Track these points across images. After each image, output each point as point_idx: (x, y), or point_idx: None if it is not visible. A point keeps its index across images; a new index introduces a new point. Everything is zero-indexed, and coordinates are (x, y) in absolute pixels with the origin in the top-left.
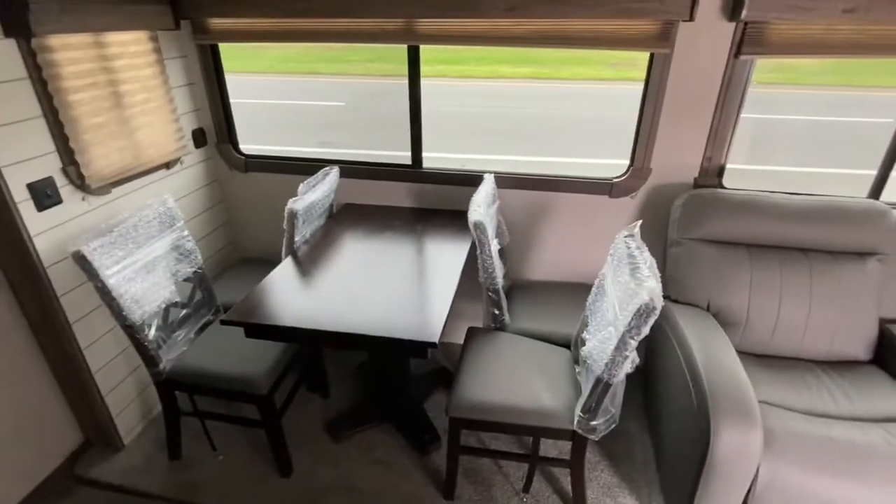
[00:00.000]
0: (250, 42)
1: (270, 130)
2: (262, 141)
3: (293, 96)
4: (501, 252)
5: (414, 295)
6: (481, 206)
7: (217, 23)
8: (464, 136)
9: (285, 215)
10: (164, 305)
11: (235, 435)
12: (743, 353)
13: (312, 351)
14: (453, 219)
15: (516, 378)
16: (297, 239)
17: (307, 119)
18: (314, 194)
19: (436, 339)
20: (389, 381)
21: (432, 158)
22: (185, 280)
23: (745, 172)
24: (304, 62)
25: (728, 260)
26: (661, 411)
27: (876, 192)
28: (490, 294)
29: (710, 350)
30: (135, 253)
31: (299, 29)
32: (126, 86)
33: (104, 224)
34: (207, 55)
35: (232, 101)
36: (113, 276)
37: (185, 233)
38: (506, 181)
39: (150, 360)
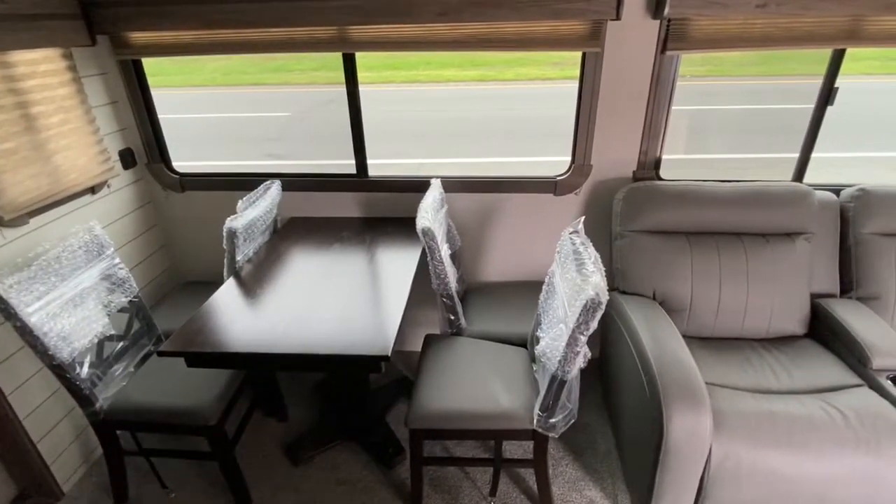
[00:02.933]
0: (176, 55)
1: (214, 145)
2: (205, 157)
3: (237, 109)
4: (454, 256)
5: (365, 308)
6: (429, 211)
7: (137, 37)
8: (414, 141)
9: (224, 235)
10: (97, 340)
11: (187, 469)
12: (689, 338)
13: (265, 373)
14: (402, 226)
15: (475, 382)
16: (238, 258)
17: (252, 131)
18: (254, 210)
19: (387, 353)
20: (348, 398)
21: (382, 165)
22: (119, 311)
23: (683, 162)
24: (247, 73)
25: (669, 249)
26: (618, 401)
27: (799, 174)
28: (444, 300)
29: (658, 338)
30: (59, 287)
31: (227, 40)
32: (38, 107)
33: (21, 258)
34: (130, 71)
35: (172, 116)
36: (34, 313)
37: (117, 260)
38: (453, 185)
39: (84, 399)
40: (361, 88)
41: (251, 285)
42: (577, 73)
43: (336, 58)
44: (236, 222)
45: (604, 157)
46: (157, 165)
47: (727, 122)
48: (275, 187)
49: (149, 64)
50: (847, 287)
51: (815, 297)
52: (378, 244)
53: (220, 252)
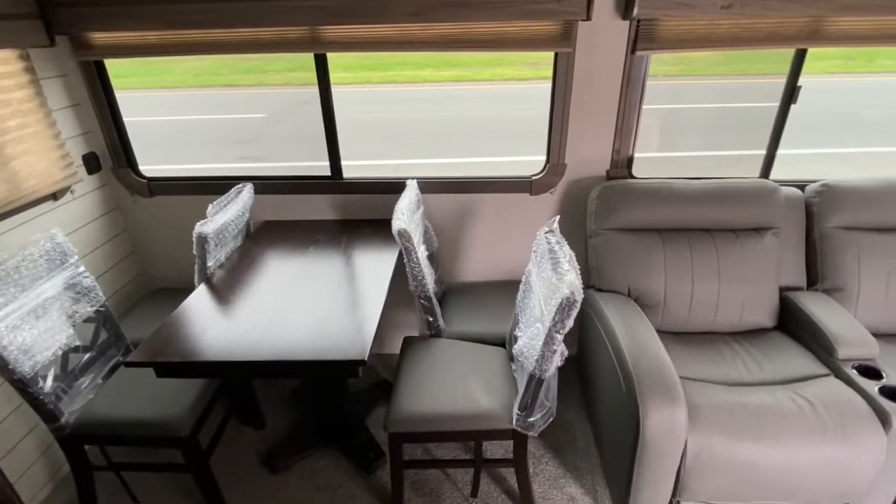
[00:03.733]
0: (140, 57)
1: (186, 148)
2: (176, 160)
3: (210, 111)
4: (431, 257)
5: (341, 311)
6: (405, 213)
7: (99, 37)
8: (391, 142)
9: (194, 240)
10: (61, 352)
11: (160, 483)
12: (664, 333)
13: (239, 381)
14: (379, 228)
15: (454, 384)
16: (210, 264)
17: (226, 134)
18: (225, 215)
19: (365, 357)
20: (327, 403)
21: (359, 167)
22: (85, 321)
23: (656, 160)
24: (219, 74)
25: (643, 246)
26: (596, 397)
27: (766, 171)
28: (422, 302)
29: (633, 335)
30: (19, 297)
31: (193, 41)
32: None
33: None
34: (92, 73)
35: (141, 119)
36: None
37: (81, 269)
38: (429, 186)
39: (48, 414)
40: (337, 89)
41: (223, 291)
42: (551, 73)
43: (311, 58)
44: (206, 227)
45: (578, 157)
46: (124, 170)
47: (698, 121)
48: (246, 191)
49: (113, 65)
50: (813, 280)
51: (783, 290)
52: (354, 246)
53: (191, 258)
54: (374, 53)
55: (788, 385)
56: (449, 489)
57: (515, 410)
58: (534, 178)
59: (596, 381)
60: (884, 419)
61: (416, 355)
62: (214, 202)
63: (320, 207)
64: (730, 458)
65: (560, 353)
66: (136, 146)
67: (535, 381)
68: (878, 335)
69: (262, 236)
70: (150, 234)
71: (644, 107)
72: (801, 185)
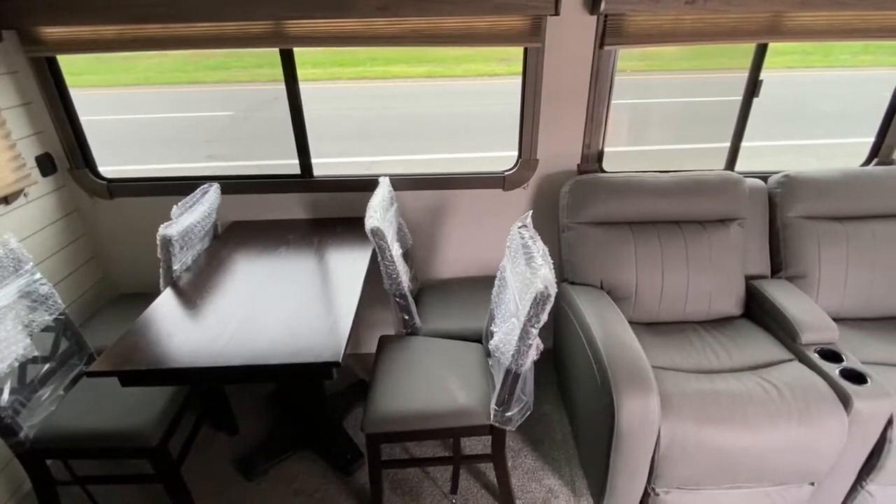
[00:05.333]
0: (96, 52)
1: (150, 148)
2: (140, 160)
3: (175, 109)
4: (406, 255)
5: (314, 312)
6: (378, 210)
7: (51, 32)
8: (364, 139)
9: (158, 243)
10: (17, 363)
11: (131, 494)
12: (636, 324)
13: (210, 387)
14: (351, 227)
15: (430, 381)
16: (176, 267)
17: (192, 133)
18: (191, 216)
19: (339, 358)
20: (302, 406)
21: (332, 165)
22: (44, 330)
23: (627, 154)
24: (185, 71)
25: (614, 239)
26: (572, 389)
27: (731, 163)
28: (398, 300)
29: (606, 326)
30: None
31: (152, 36)
32: None
33: None
34: (44, 69)
35: (101, 118)
36: None
37: (37, 276)
38: (402, 183)
39: (5, 429)
40: (307, 86)
41: (191, 295)
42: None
43: (278, 53)
44: (171, 229)
45: (549, 151)
46: (81, 171)
47: (666, 115)
48: (213, 191)
49: (68, 61)
50: (777, 268)
51: (749, 278)
52: (327, 246)
53: (156, 262)
54: (344, 49)
55: (755, 371)
56: (429, 487)
57: (493, 406)
58: (506, 173)
59: (571, 374)
60: (844, 400)
61: (392, 354)
62: (179, 203)
63: (291, 207)
64: (701, 444)
65: (535, 347)
66: (95, 146)
67: (511, 376)
68: (837, 319)
69: (230, 237)
70: (112, 238)
71: (613, 102)
72: (764, 177)
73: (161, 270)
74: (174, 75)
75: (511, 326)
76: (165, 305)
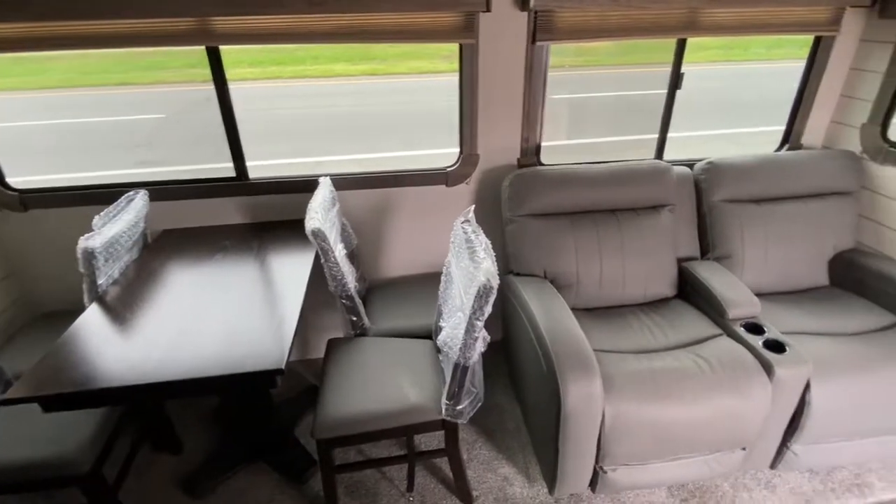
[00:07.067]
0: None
1: (73, 155)
2: (61, 169)
3: (102, 112)
4: (351, 255)
5: (255, 319)
6: (319, 211)
7: None
8: (307, 138)
9: (79, 256)
10: None
11: None
12: (578, 310)
13: (145, 405)
14: (292, 229)
15: (380, 381)
16: (101, 281)
17: (121, 137)
18: (116, 226)
19: (281, 365)
20: (250, 417)
21: (272, 166)
22: None
23: (567, 147)
24: (111, 72)
25: (554, 230)
26: (522, 378)
27: (659, 153)
28: (344, 302)
29: (550, 314)
30: None
31: (62, 34)
32: None
33: None
34: None
35: (13, 124)
36: None
37: None
38: (345, 182)
39: None
40: (245, 85)
41: (120, 309)
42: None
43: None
44: (93, 241)
45: (490, 146)
46: None
47: (603, 108)
48: (139, 198)
49: None
50: (706, 249)
51: (680, 261)
52: (267, 250)
53: (79, 276)
54: (279, 46)
55: (689, 347)
56: (385, 487)
57: (444, 400)
58: (449, 169)
59: (520, 363)
60: (768, 369)
61: (341, 357)
62: (103, 213)
63: (226, 212)
64: (643, 421)
65: (482, 339)
66: (4, 155)
67: (460, 370)
68: (759, 294)
69: (162, 246)
70: (29, 254)
71: (554, 97)
72: (690, 164)
73: (85, 285)
74: (99, 77)
75: (458, 321)
76: (91, 322)
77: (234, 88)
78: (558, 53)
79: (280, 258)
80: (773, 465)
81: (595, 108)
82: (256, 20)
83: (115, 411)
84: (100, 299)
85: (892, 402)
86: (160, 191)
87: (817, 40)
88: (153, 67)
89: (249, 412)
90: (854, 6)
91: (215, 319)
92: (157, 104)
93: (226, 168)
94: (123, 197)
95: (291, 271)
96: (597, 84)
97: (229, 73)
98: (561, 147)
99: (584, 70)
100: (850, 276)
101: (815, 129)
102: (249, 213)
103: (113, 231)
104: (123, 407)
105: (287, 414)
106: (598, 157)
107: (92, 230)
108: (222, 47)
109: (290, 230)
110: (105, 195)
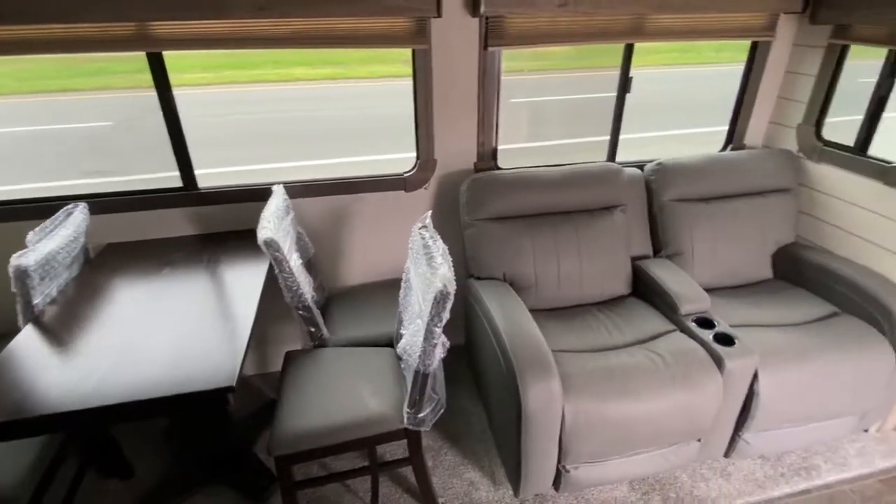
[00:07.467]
0: None
1: (7, 166)
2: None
3: (41, 120)
4: (309, 265)
5: (205, 335)
6: (272, 221)
7: None
8: (263, 145)
9: (11, 275)
10: None
11: None
12: (537, 311)
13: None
14: (244, 240)
15: (340, 392)
16: (37, 301)
17: (64, 147)
18: (52, 242)
19: (233, 383)
20: (204, 437)
21: (225, 174)
22: None
23: (525, 150)
24: (51, 78)
25: (512, 233)
26: (485, 381)
27: (612, 155)
28: (301, 313)
29: (509, 317)
30: None
31: None
32: None
33: None
34: None
35: None
36: None
37: None
38: (300, 190)
39: None
40: (197, 91)
41: (57, 330)
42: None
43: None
44: (26, 258)
45: (447, 151)
46: None
47: (561, 111)
48: (78, 211)
49: None
50: (658, 248)
51: (634, 259)
52: (218, 262)
53: (12, 297)
54: (232, 51)
55: (644, 344)
56: (350, 500)
57: (405, 409)
58: (407, 174)
59: (483, 366)
60: (718, 362)
61: (298, 370)
62: (38, 228)
63: (174, 223)
64: (602, 418)
65: (441, 345)
66: None
67: (420, 377)
68: (709, 290)
69: (104, 262)
70: None
71: (512, 101)
72: (641, 165)
73: (18, 306)
74: (38, 83)
75: (417, 328)
76: (25, 345)
77: (186, 94)
78: (516, 58)
79: (232, 270)
80: (727, 454)
81: (553, 112)
82: (201, 25)
83: (55, 438)
84: (36, 320)
85: (833, 388)
86: (103, 203)
87: (755, 45)
88: (100, 73)
89: (202, 431)
90: (787, 12)
91: (162, 337)
92: (105, 111)
93: (175, 177)
94: (61, 210)
95: (244, 284)
96: (554, 88)
97: (178, 78)
98: (520, 150)
99: (541, 74)
100: (793, 269)
101: (755, 130)
102: (199, 224)
103: (49, 247)
104: (63, 434)
105: (246, 430)
106: (556, 160)
107: (25, 247)
108: (166, 53)
109: (242, 241)
110: (41, 209)
